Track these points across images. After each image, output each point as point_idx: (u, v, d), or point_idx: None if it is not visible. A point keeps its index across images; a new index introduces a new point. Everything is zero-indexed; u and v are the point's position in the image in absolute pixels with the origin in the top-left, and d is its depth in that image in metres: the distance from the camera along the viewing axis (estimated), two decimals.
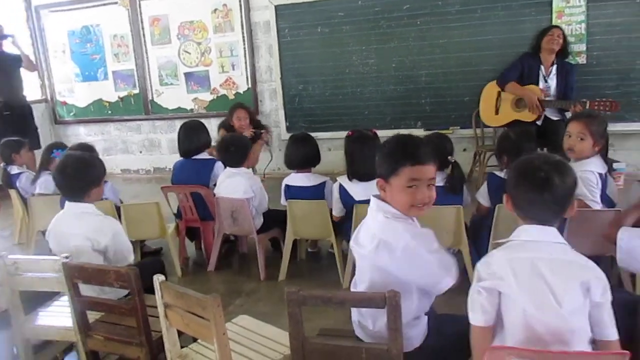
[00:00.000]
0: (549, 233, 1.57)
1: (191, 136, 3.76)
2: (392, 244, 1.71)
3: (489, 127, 4.95)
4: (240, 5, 5.98)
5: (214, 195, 3.50)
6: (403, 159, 1.73)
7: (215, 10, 6.09)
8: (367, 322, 1.82)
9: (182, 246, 3.87)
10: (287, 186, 3.40)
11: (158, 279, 1.82)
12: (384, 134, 5.35)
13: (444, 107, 5.46)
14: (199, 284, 3.50)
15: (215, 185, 3.59)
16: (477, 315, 1.58)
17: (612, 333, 1.52)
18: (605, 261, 3.10)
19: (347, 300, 1.70)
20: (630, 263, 1.90)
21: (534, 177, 1.56)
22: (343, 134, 3.28)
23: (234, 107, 4.70)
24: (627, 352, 1.42)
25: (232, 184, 3.41)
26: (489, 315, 1.57)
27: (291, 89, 5.97)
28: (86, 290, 2.18)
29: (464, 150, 5.50)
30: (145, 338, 2.03)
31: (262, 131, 4.72)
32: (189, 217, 3.73)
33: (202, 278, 3.62)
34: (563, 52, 4.58)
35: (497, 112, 4.74)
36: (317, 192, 3.28)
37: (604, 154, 2.87)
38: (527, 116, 4.54)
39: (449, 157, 2.93)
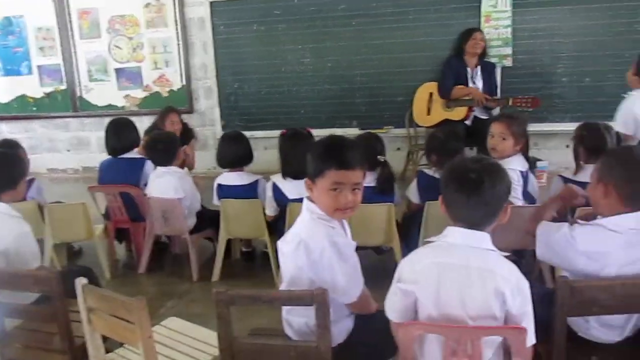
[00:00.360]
0: (477, 238, 1.57)
1: (119, 134, 3.64)
2: (310, 246, 1.72)
3: (422, 126, 5.07)
4: (174, 1, 5.84)
5: (145, 195, 3.41)
6: (329, 162, 1.73)
7: (148, 4, 5.92)
8: (296, 320, 1.83)
9: (111, 248, 3.75)
10: (219, 185, 3.35)
11: (80, 282, 1.75)
12: (319, 133, 5.36)
13: (379, 106, 5.55)
14: (128, 286, 3.41)
15: (145, 185, 3.49)
16: (391, 312, 1.63)
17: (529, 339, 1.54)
18: (528, 255, 3.26)
19: (276, 299, 1.70)
20: (549, 257, 1.99)
21: (463, 179, 1.56)
22: (279, 132, 3.27)
23: (166, 111, 4.49)
24: (523, 327, 1.49)
25: (162, 184, 3.33)
26: (402, 314, 1.61)
27: (227, 87, 5.89)
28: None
29: (398, 149, 5.62)
30: (68, 344, 1.95)
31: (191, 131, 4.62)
32: (118, 218, 3.61)
33: (132, 280, 3.52)
34: (483, 53, 4.78)
35: (428, 113, 4.87)
36: (250, 191, 3.26)
37: (525, 152, 3.01)
38: (456, 115, 4.70)
39: (379, 157, 2.98)
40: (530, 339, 1.53)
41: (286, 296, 1.70)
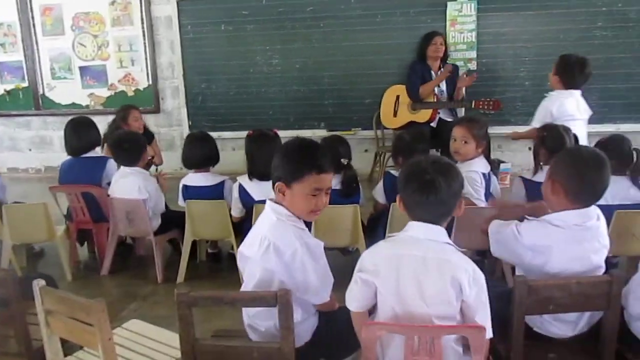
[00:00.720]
0: (435, 232, 1.64)
1: (79, 133, 3.56)
2: (281, 248, 1.74)
3: (389, 128, 5.12)
4: None
5: (108, 195, 3.35)
6: (309, 167, 1.75)
7: (114, 2, 5.83)
8: (264, 324, 1.82)
9: (73, 249, 3.67)
10: (185, 186, 3.32)
11: (38, 283, 1.72)
12: (287, 134, 5.39)
13: (347, 108, 5.58)
14: (91, 288, 3.34)
15: (109, 184, 3.43)
16: (351, 301, 1.68)
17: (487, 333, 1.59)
18: (490, 255, 3.32)
19: (238, 300, 1.69)
20: (500, 252, 2.06)
21: (420, 180, 1.61)
22: (247, 133, 3.26)
23: (127, 108, 4.37)
24: (482, 325, 1.54)
25: (126, 184, 3.28)
26: (362, 303, 1.66)
27: (194, 87, 5.83)
28: None
29: (366, 151, 5.66)
30: (25, 348, 1.91)
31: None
32: (80, 219, 3.53)
33: (94, 283, 3.46)
34: (445, 57, 4.86)
35: (395, 115, 4.92)
36: (215, 192, 3.24)
37: (487, 155, 3.07)
38: (422, 118, 4.76)
39: (342, 160, 3.00)
40: (488, 333, 1.58)
41: (249, 297, 1.70)
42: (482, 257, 3.41)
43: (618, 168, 2.80)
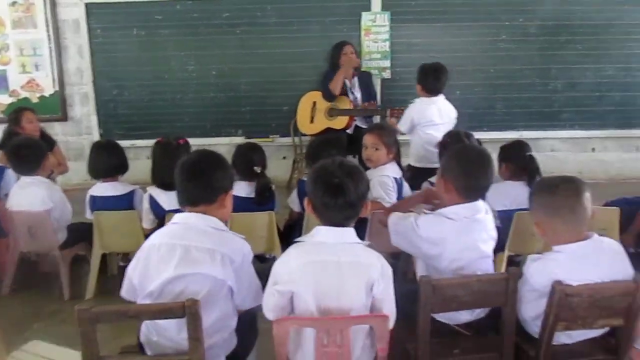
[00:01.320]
0: (344, 234, 1.71)
1: None
2: (232, 256, 1.78)
3: (306, 135, 5.16)
4: (45, 1, 5.46)
5: (6, 208, 3.14)
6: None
7: (14, 3, 5.47)
8: (168, 333, 1.77)
9: None
10: (92, 197, 3.16)
11: None
12: (204, 141, 5.39)
13: (264, 115, 5.56)
14: None
15: (6, 196, 3.21)
16: (269, 312, 1.71)
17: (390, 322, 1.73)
18: (403, 258, 3.42)
19: (144, 313, 1.64)
20: (400, 243, 2.16)
21: (328, 183, 1.68)
22: None
23: (20, 110, 4.15)
24: (386, 315, 1.65)
25: (28, 195, 3.09)
26: (279, 313, 1.69)
27: (105, 93, 5.59)
28: None
29: (284, 158, 5.67)
30: None
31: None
32: None
33: None
34: (358, 65, 4.98)
35: (312, 121, 4.97)
36: (125, 202, 3.11)
37: (397, 160, 3.17)
38: (339, 124, 4.83)
39: (255, 168, 2.99)
40: (392, 322, 1.72)
41: (156, 309, 1.64)
42: (396, 260, 3.50)
43: (517, 173, 2.98)
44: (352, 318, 1.66)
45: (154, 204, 2.96)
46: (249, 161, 3.01)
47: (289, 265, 1.69)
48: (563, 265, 1.86)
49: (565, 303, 1.78)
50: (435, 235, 2.02)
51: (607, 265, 1.89)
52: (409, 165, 3.89)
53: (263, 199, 3.01)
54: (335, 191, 1.66)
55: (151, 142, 5.27)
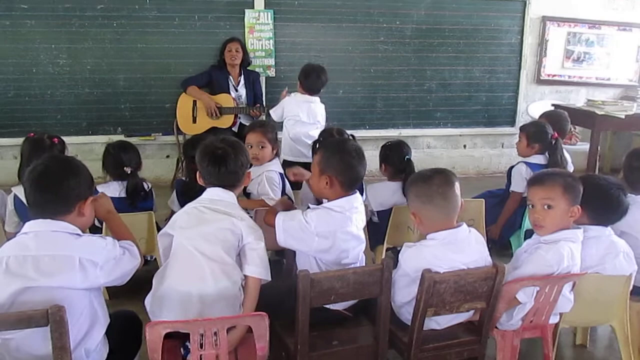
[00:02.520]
0: (227, 195, 2.02)
1: None
2: (92, 259, 1.69)
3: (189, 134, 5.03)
4: None
5: None
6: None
7: None
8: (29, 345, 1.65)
9: None
10: None
11: None
12: (79, 139, 5.07)
13: (145, 112, 5.34)
14: None
15: None
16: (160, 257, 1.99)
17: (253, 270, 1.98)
18: (289, 254, 3.45)
19: (1, 323, 1.50)
20: (289, 242, 2.19)
21: (213, 155, 1.99)
22: None
23: None
24: (264, 313, 1.67)
25: None
26: (165, 252, 2.00)
27: None
28: None
29: (167, 156, 5.50)
30: None
31: None
32: None
33: None
34: (244, 63, 4.96)
35: (195, 121, 4.85)
36: None
37: (278, 155, 3.20)
38: (224, 123, 4.78)
39: (125, 168, 2.91)
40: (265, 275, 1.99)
41: (14, 319, 1.51)
42: (281, 257, 3.53)
43: (395, 174, 3.13)
44: (227, 318, 1.68)
45: (20, 205, 2.73)
46: (119, 161, 2.92)
47: (181, 212, 2.02)
48: (434, 251, 2.00)
49: (433, 290, 1.90)
50: (325, 228, 2.08)
51: (472, 252, 2.05)
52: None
53: (135, 199, 2.94)
54: (219, 160, 1.97)
55: (18, 140, 4.89)
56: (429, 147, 6.14)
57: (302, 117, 4.08)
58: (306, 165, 3.87)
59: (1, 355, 1.67)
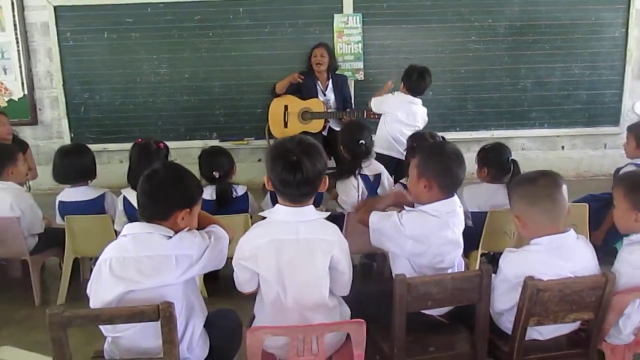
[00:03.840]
0: (304, 213, 1.79)
1: None
2: (187, 253, 1.76)
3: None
4: (12, 3, 5.35)
5: None
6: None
7: None
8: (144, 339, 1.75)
9: None
10: (61, 202, 3.10)
11: None
12: (178, 144, 5.34)
13: (238, 118, 5.54)
14: None
15: None
16: (242, 286, 1.85)
17: (338, 292, 1.89)
18: (379, 258, 3.45)
19: (117, 317, 1.61)
20: (380, 241, 2.17)
21: (286, 161, 1.72)
22: None
23: None
24: (362, 320, 1.65)
25: None
26: (250, 284, 1.84)
27: (75, 97, 5.51)
28: None
29: (259, 160, 5.66)
30: None
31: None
32: None
33: None
34: (332, 67, 5.00)
35: (286, 126, 4.96)
36: (96, 206, 3.07)
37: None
38: (314, 128, 4.85)
39: (214, 173, 3.01)
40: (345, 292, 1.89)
41: (128, 313, 1.62)
42: (371, 260, 3.53)
43: (496, 176, 3.02)
44: (327, 325, 1.68)
45: (128, 206, 2.92)
46: (209, 166, 3.04)
47: (251, 243, 1.79)
48: (539, 257, 1.91)
49: (536, 298, 1.81)
50: (420, 232, 2.05)
51: (580, 259, 1.94)
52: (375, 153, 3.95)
53: (224, 203, 3.02)
54: (293, 168, 1.71)
55: (123, 145, 5.32)
56: (524, 148, 5.89)
57: (401, 116, 4.11)
58: (399, 162, 3.86)
59: (112, 352, 1.80)
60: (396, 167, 3.92)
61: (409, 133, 3.77)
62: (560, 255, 1.90)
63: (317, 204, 1.91)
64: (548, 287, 1.82)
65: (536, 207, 1.94)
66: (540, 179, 1.95)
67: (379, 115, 4.68)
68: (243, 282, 1.84)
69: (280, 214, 1.79)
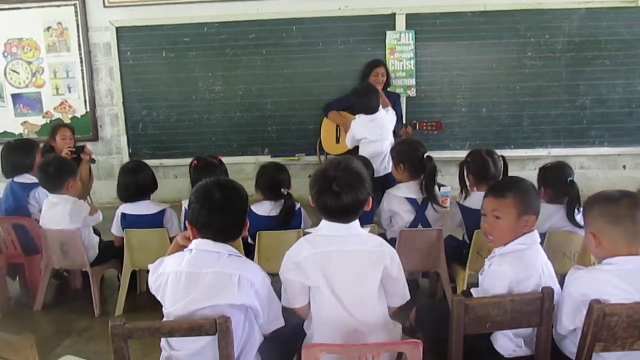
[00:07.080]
0: (348, 228, 1.82)
1: (9, 154, 3.49)
2: (252, 279, 1.77)
3: (332, 155, 5.16)
4: (78, 25, 5.63)
5: (39, 226, 3.21)
6: None
7: (49, 28, 5.66)
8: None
9: (3, 284, 3.47)
10: (123, 215, 3.21)
11: None
12: (231, 160, 5.44)
13: (290, 134, 5.61)
14: (22, 325, 3.16)
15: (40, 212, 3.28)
16: (290, 302, 1.86)
17: (397, 302, 1.90)
18: (432, 277, 3.39)
19: (176, 330, 1.64)
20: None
21: (328, 191, 1.77)
22: (189, 160, 3.22)
23: (57, 125, 4.28)
24: (419, 341, 1.61)
25: (57, 213, 3.15)
26: (300, 298, 1.84)
27: (134, 114, 5.72)
28: None
29: (309, 176, 5.65)
30: None
31: (82, 145, 4.22)
32: (10, 252, 3.36)
33: (26, 319, 3.27)
34: (387, 84, 5.00)
35: (337, 142, 4.97)
36: (155, 221, 3.14)
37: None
38: None
39: (282, 190, 3.00)
40: (406, 296, 1.90)
41: (187, 327, 1.65)
42: (417, 276, 3.47)
43: (553, 197, 2.91)
44: (383, 344, 1.67)
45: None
46: (277, 182, 3.01)
47: (298, 255, 1.81)
48: (610, 278, 1.81)
49: (603, 322, 1.73)
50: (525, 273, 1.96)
51: None
52: None
53: (286, 219, 3.02)
54: (335, 198, 1.76)
55: (179, 161, 5.47)
56: (582, 167, 5.69)
57: (371, 137, 4.15)
58: (385, 176, 3.94)
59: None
60: (384, 184, 3.72)
61: (383, 145, 4.04)
62: (633, 277, 1.81)
63: (362, 223, 1.90)
64: (616, 312, 1.73)
65: (617, 226, 1.84)
66: (623, 199, 1.85)
67: (433, 126, 4.67)
68: (291, 295, 1.84)
69: (326, 229, 1.82)
